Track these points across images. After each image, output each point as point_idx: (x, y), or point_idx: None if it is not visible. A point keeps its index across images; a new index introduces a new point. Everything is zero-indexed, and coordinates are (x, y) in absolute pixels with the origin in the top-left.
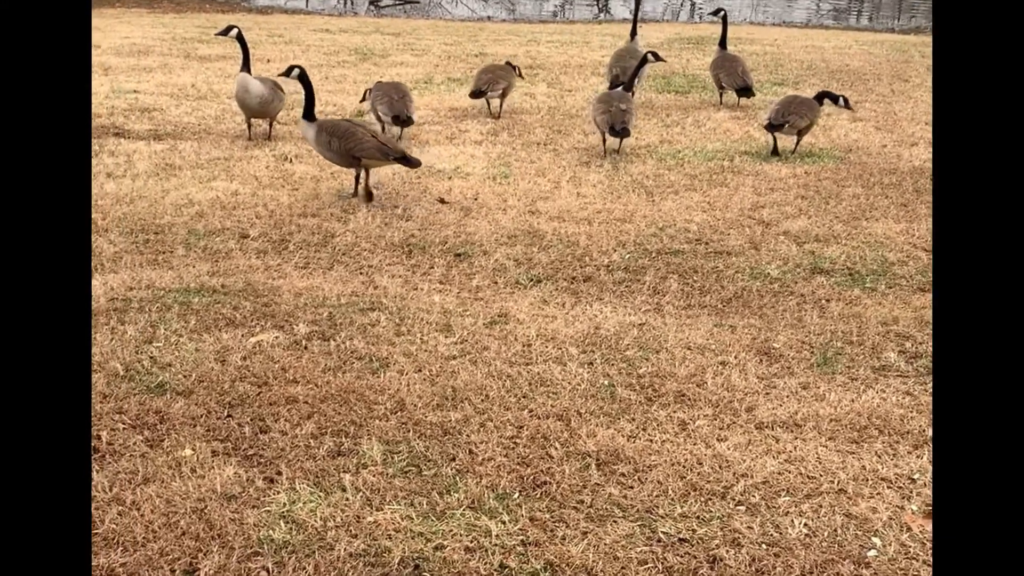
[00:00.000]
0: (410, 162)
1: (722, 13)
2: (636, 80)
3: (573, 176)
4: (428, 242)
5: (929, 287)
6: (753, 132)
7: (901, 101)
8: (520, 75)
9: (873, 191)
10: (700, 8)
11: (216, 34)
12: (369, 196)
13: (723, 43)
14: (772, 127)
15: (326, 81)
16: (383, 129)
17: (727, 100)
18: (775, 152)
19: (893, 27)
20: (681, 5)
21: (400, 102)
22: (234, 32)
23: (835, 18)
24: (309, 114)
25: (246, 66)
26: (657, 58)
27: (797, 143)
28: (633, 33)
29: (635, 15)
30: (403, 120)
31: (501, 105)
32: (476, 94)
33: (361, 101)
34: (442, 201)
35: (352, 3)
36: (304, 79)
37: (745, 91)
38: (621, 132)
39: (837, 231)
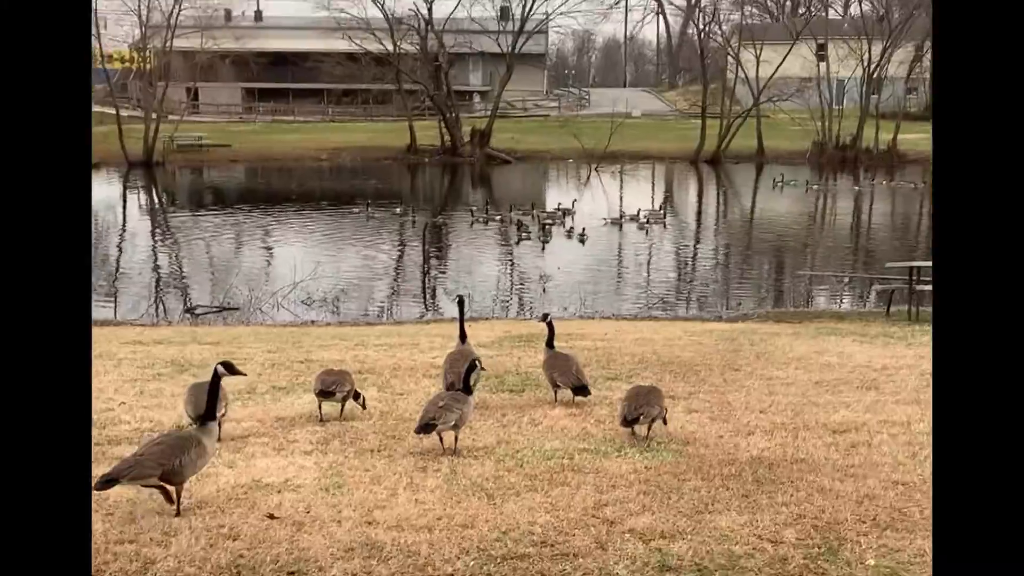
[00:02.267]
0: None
1: (548, 319)
2: (472, 382)
3: (410, 482)
4: (258, 562)
5: None
6: (590, 428)
7: (734, 390)
8: (480, 367)
9: (714, 483)
10: (529, 304)
11: None
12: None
13: (550, 343)
14: (627, 422)
15: (141, 396)
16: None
17: (562, 397)
18: (635, 436)
19: (720, 315)
20: (508, 301)
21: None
22: None
23: (664, 308)
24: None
25: None
26: (479, 366)
27: (649, 429)
28: (463, 337)
29: (461, 320)
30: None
31: (342, 409)
32: (323, 394)
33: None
34: (271, 516)
35: (165, 310)
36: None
37: (581, 390)
38: (425, 429)
39: (682, 526)
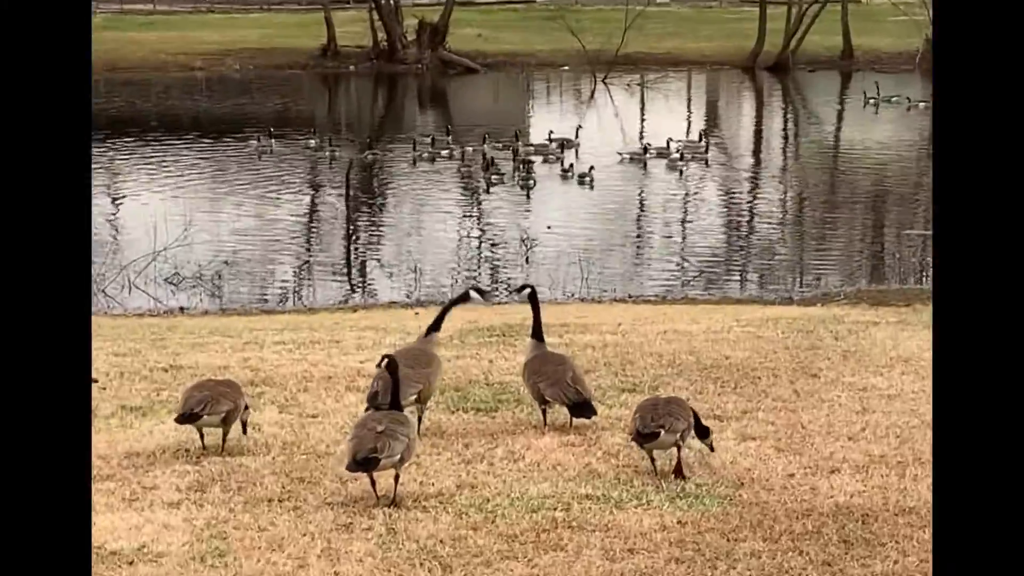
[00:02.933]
0: None
1: (527, 291)
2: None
3: (327, 547)
4: None
5: None
6: (595, 464)
7: (809, 407)
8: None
9: (780, 545)
10: (505, 280)
11: None
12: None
13: (537, 334)
14: (643, 438)
15: None
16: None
17: (554, 419)
18: (654, 470)
19: (790, 296)
20: (474, 277)
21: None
22: None
23: (706, 287)
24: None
25: None
26: (482, 295)
27: (679, 458)
28: (432, 329)
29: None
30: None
31: (224, 439)
32: (187, 418)
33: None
34: None
35: None
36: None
37: (581, 408)
38: (364, 465)
39: None
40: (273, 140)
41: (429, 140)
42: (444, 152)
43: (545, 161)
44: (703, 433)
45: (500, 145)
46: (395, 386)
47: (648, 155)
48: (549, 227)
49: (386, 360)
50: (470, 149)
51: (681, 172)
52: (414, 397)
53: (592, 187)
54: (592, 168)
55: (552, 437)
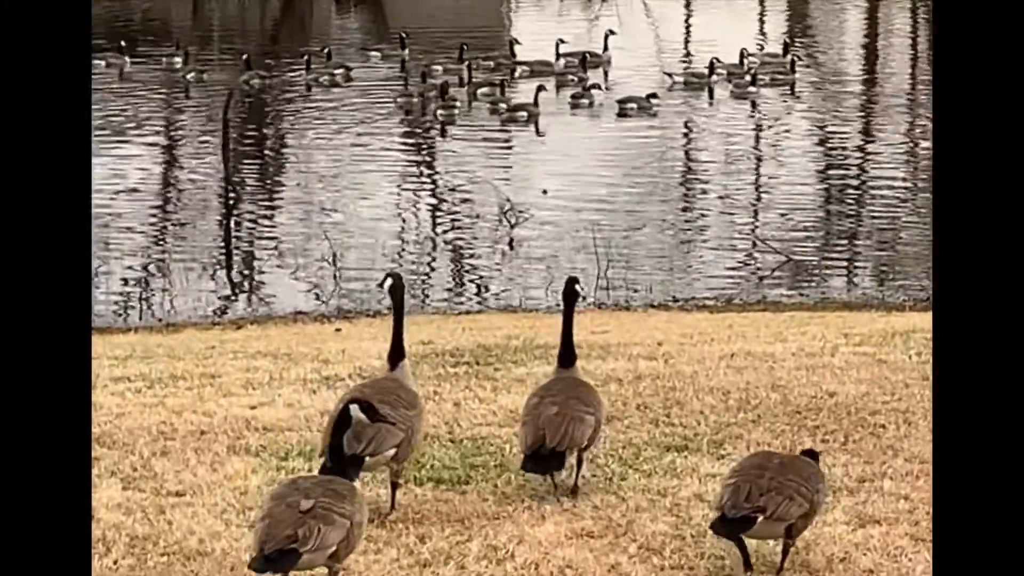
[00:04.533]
0: None
1: (389, 283)
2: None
3: None
4: None
5: None
6: (627, 566)
7: None
8: None
9: None
10: (479, 277)
11: None
12: None
13: (567, 358)
14: (733, 526)
15: None
16: None
17: (568, 482)
18: (748, 566)
19: (928, 297)
20: (430, 274)
21: None
22: None
23: (794, 284)
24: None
25: None
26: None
27: (785, 554)
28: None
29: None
30: None
31: None
32: None
33: None
34: None
35: None
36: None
37: (533, 461)
38: (275, 561)
39: None
40: (127, 59)
41: (325, 55)
42: (371, 73)
43: (560, 87)
44: None
45: (471, 63)
46: (350, 436)
47: (708, 78)
48: (545, 192)
49: (353, 401)
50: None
51: (754, 104)
52: (392, 452)
53: (653, 114)
54: (653, 96)
55: (557, 523)
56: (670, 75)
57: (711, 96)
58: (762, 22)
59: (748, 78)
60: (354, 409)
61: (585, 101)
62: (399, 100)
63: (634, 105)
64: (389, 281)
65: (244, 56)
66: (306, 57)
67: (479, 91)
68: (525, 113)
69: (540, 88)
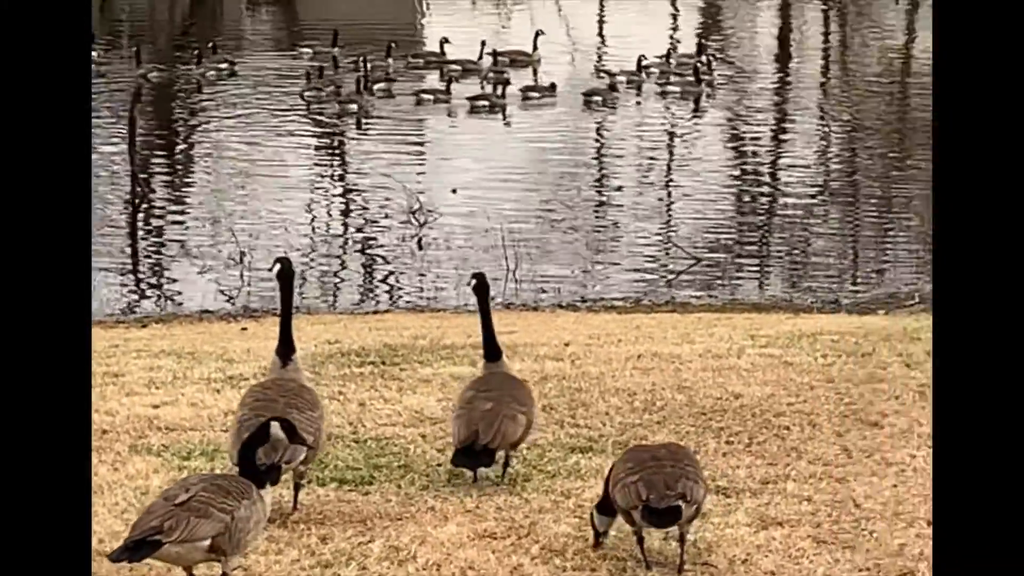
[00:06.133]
0: None
1: (478, 282)
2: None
3: None
4: None
5: None
6: (530, 567)
7: (868, 474)
8: None
9: None
10: (384, 275)
11: None
12: None
13: (492, 352)
14: (657, 517)
15: None
16: None
17: (471, 492)
18: (648, 565)
19: (837, 298)
20: (331, 271)
21: None
22: None
23: (705, 285)
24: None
25: None
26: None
27: (683, 545)
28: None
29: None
30: None
31: None
32: None
33: None
34: None
35: None
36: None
37: (464, 456)
38: (132, 550)
39: None
40: None
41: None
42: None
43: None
44: (607, 510)
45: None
46: (267, 448)
47: (619, 77)
48: (454, 191)
49: (274, 419)
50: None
51: (669, 103)
52: (303, 457)
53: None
54: (613, 83)
55: (460, 523)
56: (609, 73)
57: (640, 93)
58: (675, 21)
59: (662, 78)
60: (275, 428)
61: (496, 101)
62: (306, 95)
63: (597, 95)
64: (277, 266)
65: (135, 49)
66: (197, 51)
67: (384, 86)
68: (486, 103)
69: (450, 80)
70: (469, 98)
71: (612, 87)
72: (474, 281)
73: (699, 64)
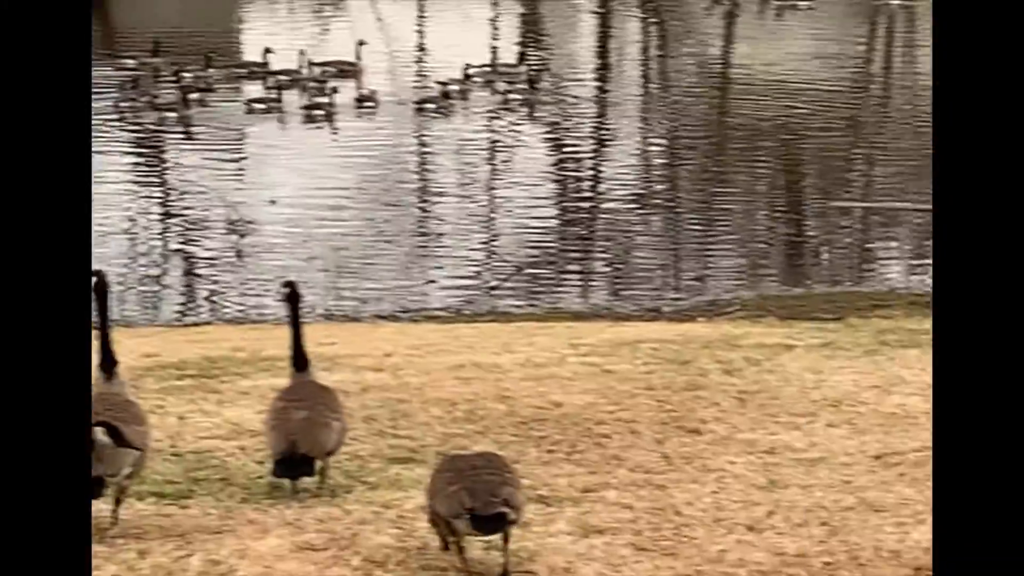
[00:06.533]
0: None
1: (290, 291)
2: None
3: None
4: None
5: None
6: None
7: (689, 481)
8: None
9: None
10: (203, 286)
11: None
12: None
13: (300, 362)
14: (483, 524)
15: None
16: None
17: (313, 495)
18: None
19: (658, 306)
20: (148, 285)
21: None
22: None
23: (525, 295)
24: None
25: None
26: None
27: (506, 551)
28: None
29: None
30: None
31: None
32: None
33: None
34: None
35: None
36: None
37: (284, 466)
38: None
39: None
40: None
41: None
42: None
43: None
44: None
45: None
46: (92, 458)
47: (450, 88)
48: (273, 202)
49: (99, 424)
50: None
51: (492, 113)
52: (128, 471)
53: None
54: (446, 91)
55: (280, 536)
56: (440, 82)
57: (466, 101)
58: (495, 30)
59: (486, 87)
60: (100, 433)
61: (321, 112)
62: (122, 105)
63: (432, 105)
64: (94, 279)
65: None
66: None
67: (200, 96)
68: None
69: (280, 90)
70: (303, 107)
71: (446, 95)
72: (286, 290)
73: (530, 73)
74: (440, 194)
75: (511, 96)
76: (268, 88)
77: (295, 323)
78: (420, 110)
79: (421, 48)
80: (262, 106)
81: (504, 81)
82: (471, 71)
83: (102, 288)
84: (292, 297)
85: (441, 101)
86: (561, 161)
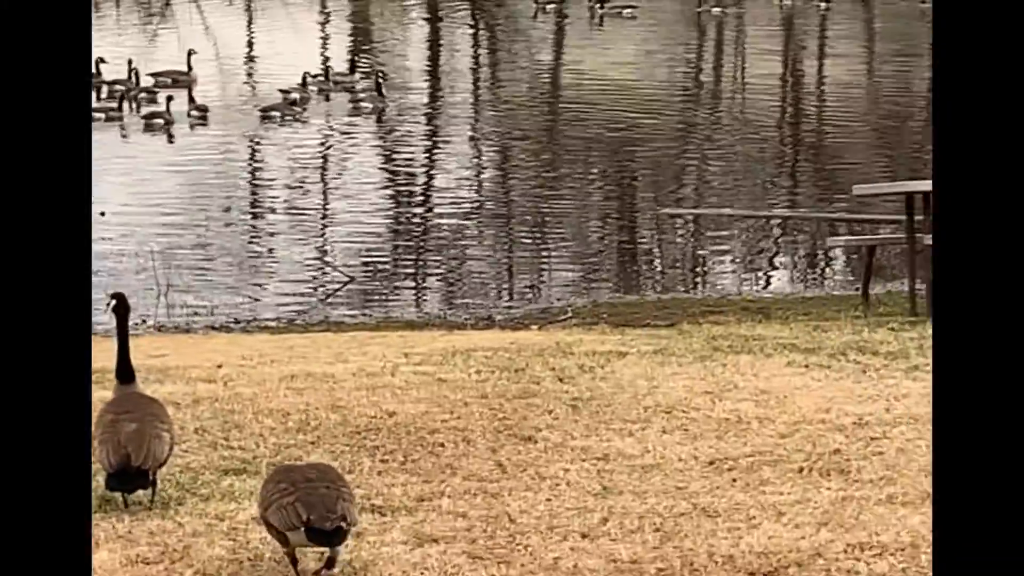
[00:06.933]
0: None
1: (116, 303)
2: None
3: None
4: None
5: None
6: None
7: (523, 488)
8: None
9: None
10: None
11: None
12: None
13: (125, 373)
14: (325, 537)
15: None
16: None
17: (143, 512)
18: None
19: (490, 315)
20: None
21: None
22: None
23: (357, 304)
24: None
25: None
26: None
27: (334, 566)
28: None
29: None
30: None
31: None
32: None
33: None
34: None
35: None
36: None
37: (125, 479)
38: None
39: None
40: None
41: None
42: None
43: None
44: None
45: None
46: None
47: (295, 94)
48: (103, 213)
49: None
50: None
51: (326, 124)
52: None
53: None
54: (294, 103)
55: (112, 549)
56: (283, 90)
57: (302, 107)
58: (325, 38)
59: (321, 96)
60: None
61: (160, 121)
62: None
63: (277, 113)
64: (114, 301)
65: None
66: None
67: None
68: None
69: (122, 99)
70: (144, 116)
71: (292, 103)
72: (113, 302)
73: (362, 81)
74: (272, 204)
75: (346, 104)
76: (102, 99)
77: (123, 334)
78: (271, 117)
79: (251, 58)
80: (100, 115)
81: (336, 90)
82: (312, 80)
83: (122, 308)
84: (119, 308)
85: (287, 109)
86: (393, 170)
